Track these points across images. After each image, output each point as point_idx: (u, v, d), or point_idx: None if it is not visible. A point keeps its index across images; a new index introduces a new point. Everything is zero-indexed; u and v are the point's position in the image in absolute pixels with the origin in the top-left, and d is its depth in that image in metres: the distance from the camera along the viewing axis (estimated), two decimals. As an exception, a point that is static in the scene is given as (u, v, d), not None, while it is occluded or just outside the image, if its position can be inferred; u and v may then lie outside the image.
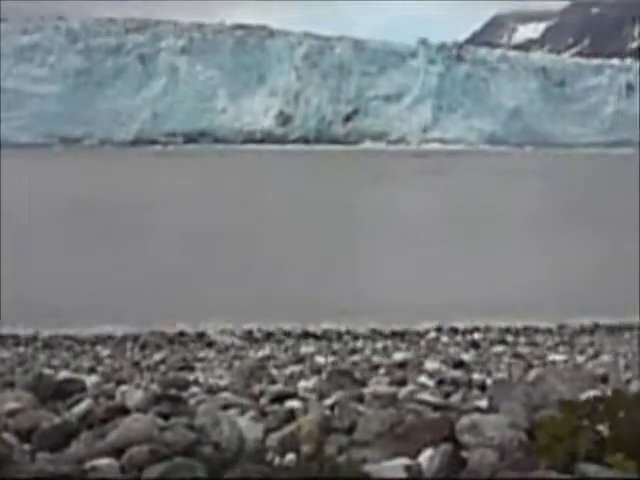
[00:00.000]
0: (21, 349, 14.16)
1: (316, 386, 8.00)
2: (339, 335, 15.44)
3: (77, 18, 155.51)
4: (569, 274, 22.92)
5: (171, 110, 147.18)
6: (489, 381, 8.68)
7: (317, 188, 58.54)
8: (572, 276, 22.51)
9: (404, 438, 4.57)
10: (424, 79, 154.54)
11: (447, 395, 7.14)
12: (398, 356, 12.65)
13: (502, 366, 11.94)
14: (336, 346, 14.34)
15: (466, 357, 12.72)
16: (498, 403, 5.08)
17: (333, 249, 28.22)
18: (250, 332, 15.67)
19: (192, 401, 6.10)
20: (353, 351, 13.77)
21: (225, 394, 7.19)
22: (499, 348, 13.91)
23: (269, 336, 15.38)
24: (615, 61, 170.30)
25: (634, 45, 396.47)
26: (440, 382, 8.93)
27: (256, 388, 8.17)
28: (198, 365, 12.51)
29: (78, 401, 5.74)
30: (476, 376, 9.82)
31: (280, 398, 6.59)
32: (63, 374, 10.11)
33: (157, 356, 13.41)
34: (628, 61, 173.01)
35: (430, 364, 11.39)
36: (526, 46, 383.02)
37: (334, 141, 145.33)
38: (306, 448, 4.71)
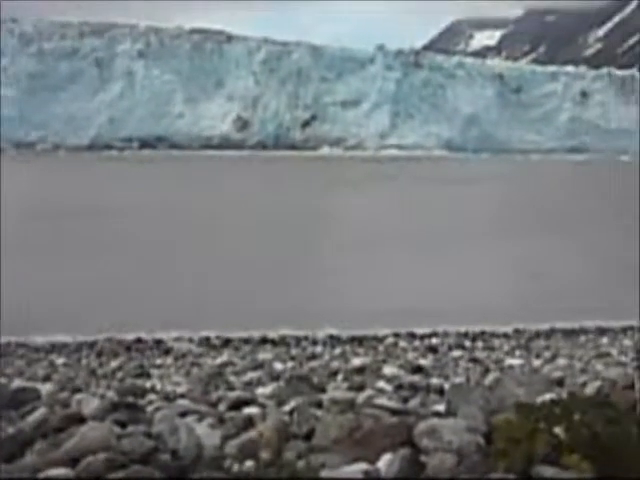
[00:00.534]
0: (-26, 357, 13.92)
1: (274, 392, 7.98)
2: (297, 341, 15.42)
3: (30, 21, 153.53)
4: (525, 279, 23.15)
5: (127, 115, 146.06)
6: (447, 385, 8.72)
7: (274, 194, 58.49)
8: (528, 281, 22.75)
9: (363, 443, 4.57)
10: (382, 85, 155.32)
11: (405, 400, 7.16)
12: (356, 361, 12.67)
13: (460, 370, 12.02)
14: (294, 352, 14.32)
15: (424, 362, 12.78)
16: (456, 407, 5.10)
17: (290, 255, 28.20)
18: (208, 339, 15.59)
19: (149, 409, 6.03)
20: (311, 357, 13.76)
21: (183, 401, 7.13)
22: (457, 353, 14.00)
23: (227, 343, 15.32)
24: (570, 68, 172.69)
25: (588, 53, 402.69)
26: (398, 387, 8.95)
27: (214, 395, 8.12)
28: (155, 372, 12.41)
29: (32, 410, 5.65)
30: (434, 381, 9.87)
31: (238, 405, 6.55)
32: (17, 383, 9.96)
33: (113, 363, 13.28)
34: (583, 68, 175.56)
35: (388, 369, 11.41)
36: (483, 53, 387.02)
37: (292, 147, 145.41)
38: (265, 454, 4.69)
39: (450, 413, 5.09)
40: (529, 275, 23.87)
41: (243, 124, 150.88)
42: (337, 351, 14.36)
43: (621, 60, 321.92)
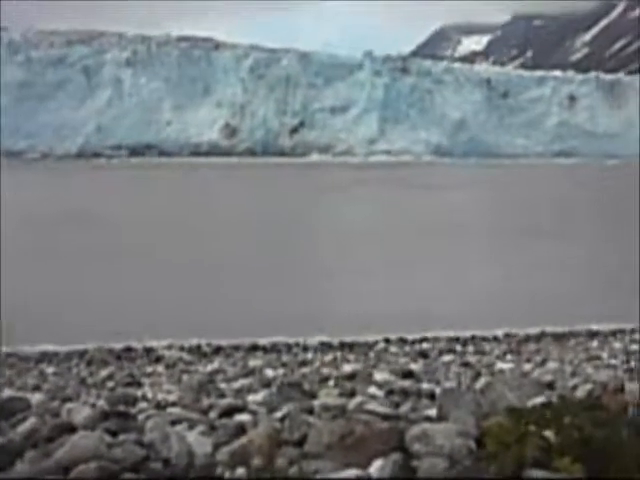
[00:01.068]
0: (-37, 367, 13.85)
1: (266, 399, 7.97)
2: (288, 347, 15.41)
3: (18, 29, 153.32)
4: (515, 284, 23.21)
5: (115, 123, 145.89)
6: (438, 390, 8.72)
7: (263, 201, 58.49)
8: (518, 285, 22.81)
9: (354, 449, 4.58)
10: (370, 91, 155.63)
11: (397, 405, 7.16)
12: (347, 367, 12.67)
13: (451, 375, 12.03)
14: (285, 358, 14.31)
15: (415, 367, 12.78)
16: (447, 412, 5.11)
17: (280, 262, 28.19)
18: (198, 346, 15.55)
19: (140, 417, 6.02)
20: (302, 363, 13.75)
21: (174, 409, 7.11)
22: (447, 357, 14.01)
23: (218, 350, 15.29)
24: (558, 73, 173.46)
25: (576, 57, 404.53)
26: (389, 392, 8.95)
27: (205, 402, 8.10)
28: (146, 380, 12.37)
29: (23, 420, 5.62)
30: (425, 385, 9.88)
31: (229, 412, 6.55)
32: (7, 392, 9.92)
33: (104, 372, 13.23)
34: (570, 73, 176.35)
35: (379, 375, 11.41)
36: (470, 58, 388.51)
37: (281, 153, 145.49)
38: (257, 461, 4.69)
39: (441, 418, 5.10)
40: (519, 279, 23.93)
41: (231, 131, 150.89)
42: (328, 357, 14.35)
43: (608, 64, 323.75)
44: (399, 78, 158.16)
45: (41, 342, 15.53)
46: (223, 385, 11.19)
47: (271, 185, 77.50)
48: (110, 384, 12.21)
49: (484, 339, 16.10)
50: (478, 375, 11.44)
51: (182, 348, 15.42)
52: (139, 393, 10.38)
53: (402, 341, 15.95)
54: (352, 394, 8.45)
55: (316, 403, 6.47)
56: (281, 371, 12.71)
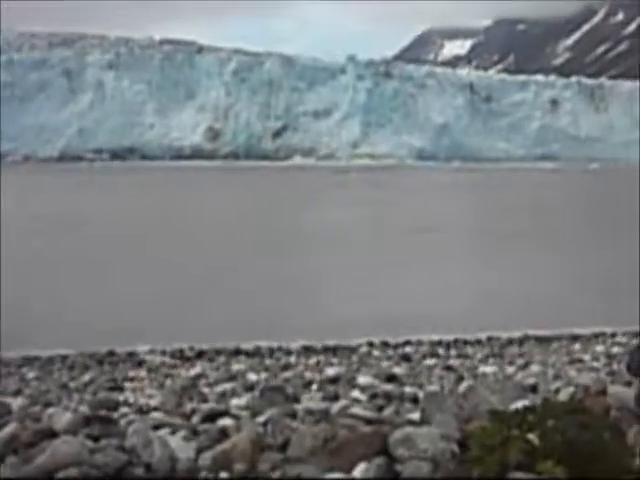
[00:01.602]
0: (-57, 372, 13.73)
1: (249, 403, 7.95)
2: (271, 351, 15.38)
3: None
4: (497, 287, 23.28)
5: (97, 126, 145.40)
6: (421, 394, 8.73)
7: (246, 204, 58.43)
8: (501, 289, 22.88)
9: (338, 453, 4.57)
10: (353, 95, 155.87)
11: (380, 409, 7.16)
12: (330, 371, 12.65)
13: (434, 379, 12.04)
14: (268, 363, 14.28)
15: (398, 371, 12.78)
16: (430, 415, 5.11)
17: (263, 265, 28.15)
18: (181, 350, 15.49)
19: (122, 422, 5.98)
20: (285, 367, 13.73)
21: (156, 414, 7.07)
22: (430, 361, 14.03)
23: (200, 354, 15.24)
24: (540, 77, 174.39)
25: (558, 61, 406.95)
26: (373, 396, 8.95)
27: (187, 407, 8.06)
28: (128, 385, 12.31)
29: (3, 425, 5.57)
30: (408, 389, 9.88)
31: (212, 416, 6.52)
32: (-13, 397, 9.83)
33: (86, 377, 13.15)
34: (552, 77, 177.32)
35: (362, 378, 11.41)
36: (453, 62, 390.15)
37: (264, 157, 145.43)
38: (239, 466, 4.67)
39: (424, 421, 5.10)
40: (501, 282, 24.00)
41: (214, 134, 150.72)
42: (311, 361, 14.33)
43: (590, 69, 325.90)
44: (382, 82, 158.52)
45: (22, 346, 15.42)
46: (206, 389, 11.15)
47: (254, 188, 77.44)
48: (92, 389, 12.14)
49: (467, 342, 16.13)
50: (461, 379, 11.46)
51: (164, 352, 15.36)
52: (121, 398, 10.34)
53: (385, 345, 15.95)
54: (335, 398, 8.45)
55: (299, 407, 6.46)
56: (264, 375, 12.68)
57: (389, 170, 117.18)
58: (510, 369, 12.99)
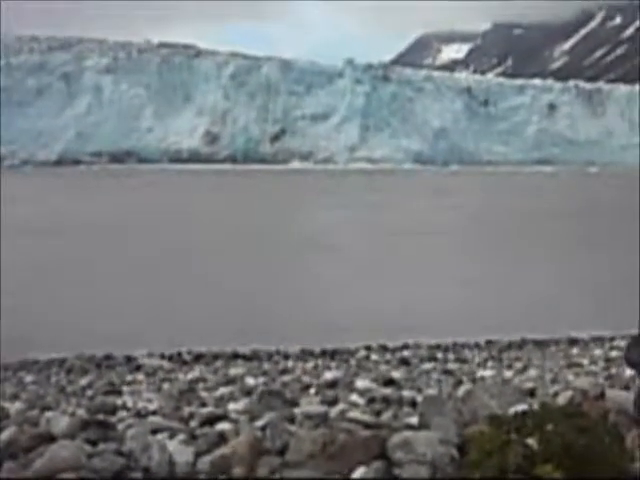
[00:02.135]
0: (-59, 376, 13.70)
1: (247, 407, 7.94)
2: (269, 355, 15.37)
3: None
4: (495, 291, 23.28)
5: (96, 130, 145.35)
6: (419, 398, 8.73)
7: (244, 208, 58.42)
8: (499, 293, 22.88)
9: (336, 457, 4.56)
10: (351, 99, 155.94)
11: (378, 413, 7.16)
12: (329, 375, 12.64)
13: (432, 383, 12.03)
14: (266, 367, 14.26)
15: (396, 375, 12.77)
16: (429, 419, 5.11)
17: (261, 270, 28.14)
18: (179, 354, 15.48)
19: (120, 426, 5.98)
20: (283, 371, 13.72)
21: (154, 418, 7.07)
22: (429, 365, 14.02)
23: (198, 358, 15.22)
24: (537, 81, 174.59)
25: (555, 65, 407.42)
26: (371, 400, 8.94)
27: (186, 411, 8.06)
28: (126, 389, 12.29)
29: (1, 429, 5.56)
30: (406, 393, 9.87)
31: (210, 420, 6.52)
32: (-15, 401, 9.82)
33: (83, 381, 13.13)
34: (550, 81, 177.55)
35: (361, 382, 11.39)
36: (451, 66, 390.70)
37: (262, 161, 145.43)
38: (238, 470, 4.66)
39: (423, 425, 5.10)
40: (500, 286, 24.01)
41: (212, 138, 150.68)
42: (309, 365, 14.33)
43: (587, 73, 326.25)
44: (380, 86, 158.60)
45: (20, 350, 15.40)
46: (204, 394, 11.14)
47: (252, 192, 77.43)
48: (90, 393, 12.13)
49: (465, 346, 16.13)
50: (459, 383, 11.45)
51: (162, 356, 15.35)
52: (119, 402, 10.32)
53: (383, 349, 15.95)
54: (333, 402, 8.44)
55: (297, 411, 6.45)
56: (262, 379, 12.66)
57: (387, 174, 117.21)
58: (508, 373, 12.98)
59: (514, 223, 45.55)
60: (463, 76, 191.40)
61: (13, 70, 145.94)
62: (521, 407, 5.75)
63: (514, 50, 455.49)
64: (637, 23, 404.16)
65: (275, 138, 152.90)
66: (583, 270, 27.43)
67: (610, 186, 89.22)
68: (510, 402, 6.19)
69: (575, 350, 15.53)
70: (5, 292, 21.87)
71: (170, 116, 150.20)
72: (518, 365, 13.88)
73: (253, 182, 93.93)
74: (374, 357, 15.16)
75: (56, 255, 30.89)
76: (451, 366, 13.89)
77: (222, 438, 5.25)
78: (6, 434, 5.36)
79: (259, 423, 5.89)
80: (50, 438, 5.24)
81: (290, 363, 14.65)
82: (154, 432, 5.65)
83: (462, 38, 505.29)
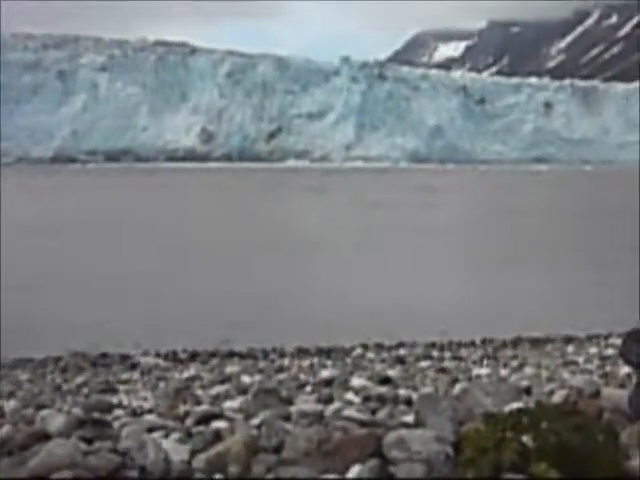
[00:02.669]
0: None
1: (242, 406, 7.94)
2: (265, 354, 15.36)
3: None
4: (492, 289, 23.30)
5: (91, 128, 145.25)
6: (415, 396, 8.73)
7: (239, 206, 58.41)
8: (495, 291, 22.90)
9: (332, 455, 4.57)
10: (347, 97, 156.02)
11: (374, 411, 7.16)
12: (324, 373, 12.63)
13: (428, 381, 12.03)
14: (262, 365, 14.26)
15: (392, 373, 12.77)
16: (424, 418, 5.11)
17: (256, 267, 28.13)
18: (174, 353, 15.47)
19: (116, 424, 5.97)
20: (279, 369, 13.71)
21: (150, 416, 7.06)
22: (424, 363, 14.01)
23: (194, 356, 15.21)
24: (533, 80, 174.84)
25: (551, 64, 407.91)
26: (366, 398, 8.94)
27: (181, 409, 8.06)
28: (122, 387, 12.28)
29: (-4, 427, 5.56)
30: (402, 392, 9.86)
31: (206, 419, 6.52)
32: (-19, 399, 9.81)
33: (79, 379, 13.11)
34: (546, 80, 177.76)
35: (356, 381, 11.39)
36: (447, 65, 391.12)
37: (258, 159, 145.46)
38: (233, 469, 4.66)
39: (418, 424, 5.10)
40: (495, 284, 24.03)
41: (208, 136, 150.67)
42: (305, 363, 14.32)
43: (584, 71, 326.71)
44: (376, 84, 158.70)
45: (15, 349, 15.38)
46: (199, 392, 11.13)
47: (247, 191, 77.40)
48: (85, 391, 12.11)
49: (461, 345, 16.14)
50: (455, 381, 11.45)
51: (158, 354, 15.33)
52: (115, 400, 10.31)
53: (379, 347, 15.95)
54: (329, 400, 8.44)
55: (293, 409, 6.46)
56: (258, 377, 12.66)
57: (383, 172, 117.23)
58: (504, 371, 12.99)
59: (509, 221, 45.59)
60: (459, 74, 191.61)
61: (9, 67, 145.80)
62: (516, 405, 5.77)
63: (510, 48, 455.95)
64: (633, 22, 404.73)
65: (271, 136, 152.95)
66: (579, 267, 27.46)
67: (606, 184, 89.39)
68: (506, 400, 6.20)
69: (571, 348, 15.54)
70: None
71: (166, 114, 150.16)
72: (514, 363, 13.89)
73: (248, 180, 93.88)
74: (370, 355, 15.16)
75: (49, 253, 30.85)
76: (447, 364, 13.90)
77: (218, 436, 5.25)
78: (1, 432, 5.36)
79: (255, 421, 5.90)
80: (45, 436, 5.24)
81: (286, 361, 14.65)
82: (149, 430, 5.65)
83: (458, 36, 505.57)
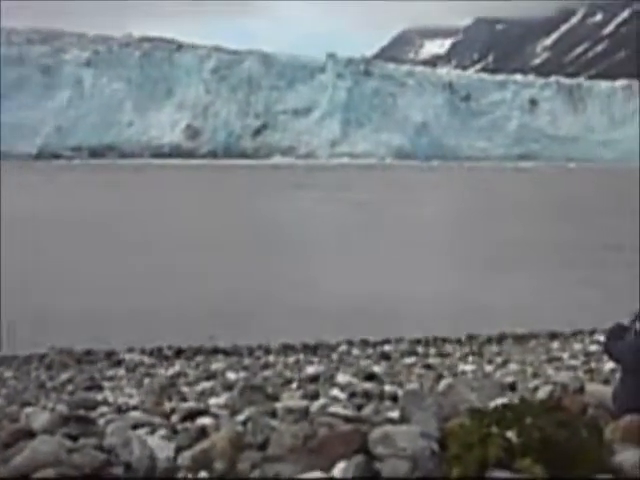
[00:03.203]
0: None
1: (228, 402, 7.94)
2: (250, 350, 15.35)
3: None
4: (476, 286, 23.36)
5: (76, 123, 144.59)
6: (400, 392, 8.74)
7: (225, 202, 58.32)
8: (479, 287, 22.96)
9: (317, 451, 4.56)
10: (332, 94, 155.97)
11: (359, 407, 7.17)
12: (310, 370, 12.64)
13: (413, 377, 12.06)
14: (247, 361, 14.25)
15: (377, 369, 12.79)
16: (410, 414, 5.11)
17: (242, 263, 28.10)
18: (160, 349, 15.43)
19: (101, 421, 5.96)
20: (265, 366, 13.71)
21: (135, 413, 7.05)
22: (410, 359, 14.04)
23: (179, 353, 15.19)
24: (518, 77, 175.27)
25: (537, 61, 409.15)
26: (352, 395, 8.95)
27: (167, 406, 8.04)
28: (107, 384, 12.25)
29: (-19, 424, 5.54)
30: (388, 388, 9.88)
31: (191, 415, 6.51)
32: (-35, 396, 9.76)
33: (64, 376, 13.06)
34: (531, 77, 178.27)
35: (342, 377, 11.40)
36: (432, 61, 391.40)
37: (243, 155, 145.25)
38: (219, 465, 4.66)
39: (404, 420, 5.10)
40: (480, 281, 24.09)
41: (193, 133, 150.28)
42: (290, 360, 14.32)
43: (569, 69, 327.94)
44: (362, 81, 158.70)
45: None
46: (185, 388, 11.12)
47: (232, 187, 77.28)
48: (70, 388, 12.07)
49: (446, 341, 16.18)
50: (440, 377, 11.48)
51: (143, 351, 15.29)
52: (100, 397, 10.29)
53: (364, 343, 15.96)
54: (315, 397, 8.45)
55: (279, 406, 6.45)
56: (243, 374, 12.65)
57: (369, 168, 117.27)
58: (489, 367, 13.03)
59: (494, 218, 45.72)
60: (445, 71, 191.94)
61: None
62: (501, 401, 5.79)
63: (496, 45, 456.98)
64: (617, 20, 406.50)
65: (257, 133, 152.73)
66: (563, 264, 27.56)
67: (590, 181, 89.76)
68: (490, 396, 6.22)
69: (555, 344, 15.61)
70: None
71: (151, 110, 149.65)
72: (498, 359, 13.94)
73: (234, 177, 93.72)
74: (355, 352, 15.18)
75: (33, 250, 30.70)
76: (432, 360, 13.93)
77: (203, 433, 5.24)
78: (-15, 430, 5.33)
79: (240, 418, 5.89)
80: (30, 434, 5.21)
81: (271, 358, 14.65)
82: (135, 427, 5.63)
83: (444, 33, 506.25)
